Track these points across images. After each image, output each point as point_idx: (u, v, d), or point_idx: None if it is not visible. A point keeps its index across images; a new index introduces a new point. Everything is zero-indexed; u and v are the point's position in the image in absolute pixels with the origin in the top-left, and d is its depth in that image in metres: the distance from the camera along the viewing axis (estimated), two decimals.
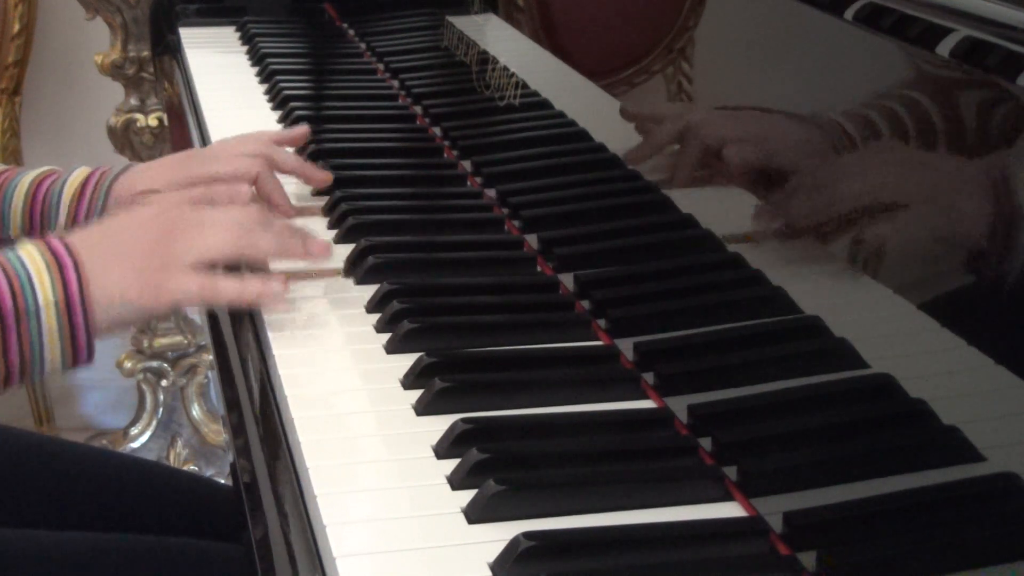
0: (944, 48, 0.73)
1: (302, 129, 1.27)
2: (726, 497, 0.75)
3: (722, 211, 0.95)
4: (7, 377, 0.90)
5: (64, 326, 0.90)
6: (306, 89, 1.52)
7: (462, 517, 0.73)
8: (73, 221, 1.13)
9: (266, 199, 1.16)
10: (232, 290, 0.95)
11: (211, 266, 0.96)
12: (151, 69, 2.13)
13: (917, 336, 0.74)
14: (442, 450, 0.79)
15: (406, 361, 0.89)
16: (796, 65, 0.92)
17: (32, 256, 0.92)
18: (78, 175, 1.14)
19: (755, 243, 0.91)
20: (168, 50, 1.77)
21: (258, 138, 1.19)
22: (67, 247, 0.92)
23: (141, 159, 2.24)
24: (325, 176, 1.20)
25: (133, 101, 2.26)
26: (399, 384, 0.88)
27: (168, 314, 0.96)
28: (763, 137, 0.92)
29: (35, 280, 0.90)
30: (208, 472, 2.31)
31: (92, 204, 1.13)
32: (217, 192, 1.09)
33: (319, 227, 1.15)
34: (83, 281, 0.91)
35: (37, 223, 1.14)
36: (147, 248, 0.95)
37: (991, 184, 0.69)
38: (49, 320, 0.90)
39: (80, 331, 0.91)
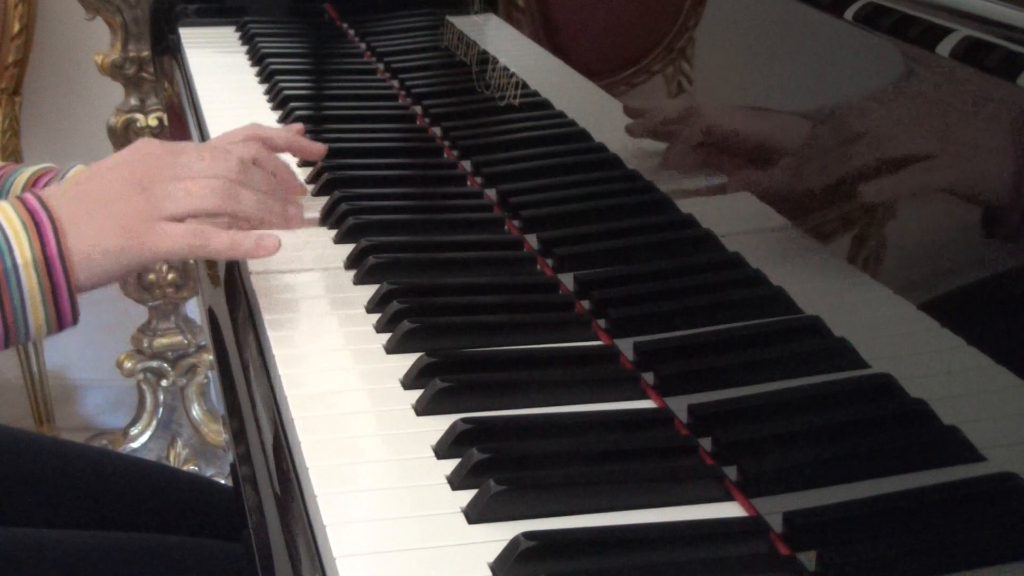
0: (944, 48, 0.73)
1: (297, 125, 1.27)
2: (726, 497, 0.75)
3: (722, 211, 0.95)
4: None
5: (45, 285, 0.89)
6: (306, 89, 1.52)
7: (462, 517, 0.73)
8: None
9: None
10: (223, 242, 0.93)
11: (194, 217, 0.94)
12: (151, 69, 2.14)
13: (917, 336, 0.74)
14: (442, 450, 0.79)
15: (406, 361, 0.89)
16: (796, 65, 0.92)
17: (7, 215, 0.90)
18: (74, 173, 1.14)
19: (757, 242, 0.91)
20: (168, 50, 1.77)
21: (246, 127, 1.19)
22: (42, 202, 0.91)
23: None
24: (320, 148, 1.20)
25: (133, 101, 2.26)
26: (399, 384, 0.88)
27: (154, 264, 0.94)
28: (776, 139, 0.92)
29: (12, 240, 0.89)
30: (208, 472, 2.31)
31: None
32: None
33: (319, 227, 1.15)
34: (60, 237, 0.89)
35: None
36: (124, 195, 0.92)
37: (991, 184, 0.69)
38: (29, 279, 0.89)
39: (62, 290, 0.89)
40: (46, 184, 1.13)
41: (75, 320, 0.92)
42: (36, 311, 0.89)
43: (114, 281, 0.95)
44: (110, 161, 0.97)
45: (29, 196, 0.92)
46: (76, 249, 0.90)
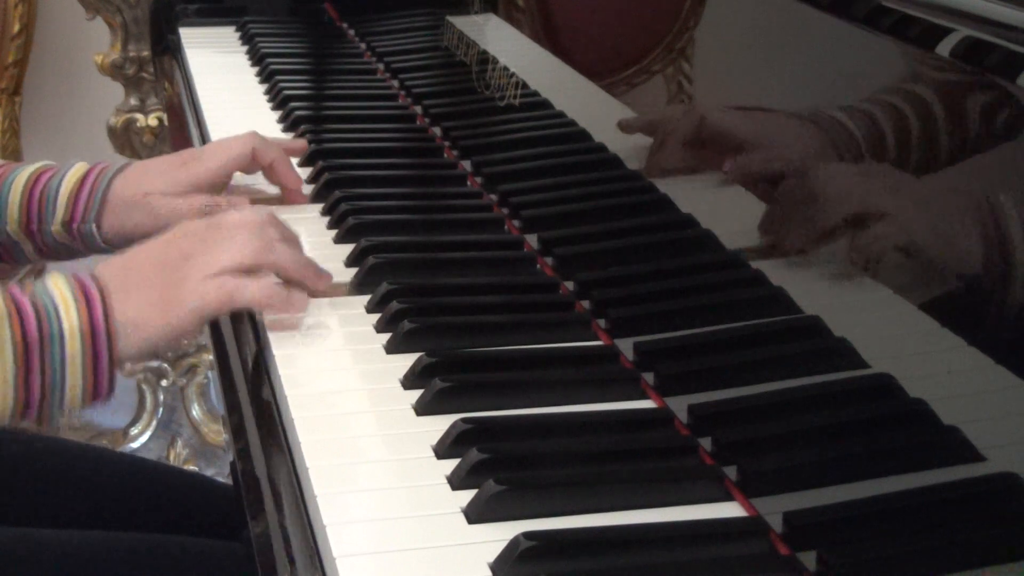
0: (944, 48, 0.73)
1: (301, 142, 1.27)
2: (726, 497, 0.75)
3: (722, 211, 0.95)
4: (26, 406, 0.90)
5: (87, 353, 0.89)
6: (306, 89, 1.52)
7: (462, 517, 0.73)
8: (71, 218, 1.13)
9: (268, 169, 1.18)
10: (254, 291, 0.94)
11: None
12: (151, 69, 2.14)
13: (917, 336, 0.74)
14: (442, 450, 0.79)
15: (406, 361, 0.89)
16: (796, 65, 0.92)
17: (58, 284, 0.91)
18: (76, 171, 1.14)
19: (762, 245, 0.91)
20: (168, 50, 1.77)
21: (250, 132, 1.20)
22: (93, 277, 0.92)
23: (141, 159, 2.24)
24: (297, 179, 1.20)
25: (133, 101, 2.26)
26: (399, 384, 0.88)
27: (198, 329, 0.94)
28: (767, 140, 0.92)
29: (60, 307, 0.90)
30: (208, 472, 2.31)
31: (90, 201, 1.13)
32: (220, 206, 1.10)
33: (319, 227, 1.15)
34: (108, 309, 0.90)
35: (34, 217, 1.13)
36: (167, 268, 0.93)
37: (991, 184, 0.69)
38: (72, 346, 0.89)
39: (103, 360, 0.90)
40: (47, 181, 1.13)
41: (111, 391, 0.92)
42: (74, 378, 0.90)
43: (154, 353, 0.95)
44: (158, 241, 0.98)
45: (81, 272, 0.93)
46: (121, 320, 0.91)
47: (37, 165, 1.16)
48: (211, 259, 0.94)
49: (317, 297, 0.99)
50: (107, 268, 0.94)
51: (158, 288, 0.93)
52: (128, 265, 0.95)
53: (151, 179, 1.14)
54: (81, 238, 1.14)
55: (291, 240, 1.00)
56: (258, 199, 1.19)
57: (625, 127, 1.08)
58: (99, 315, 0.90)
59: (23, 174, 1.14)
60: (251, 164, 1.18)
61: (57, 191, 1.13)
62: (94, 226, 1.13)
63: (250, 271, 0.95)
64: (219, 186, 1.17)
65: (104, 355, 0.90)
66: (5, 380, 0.88)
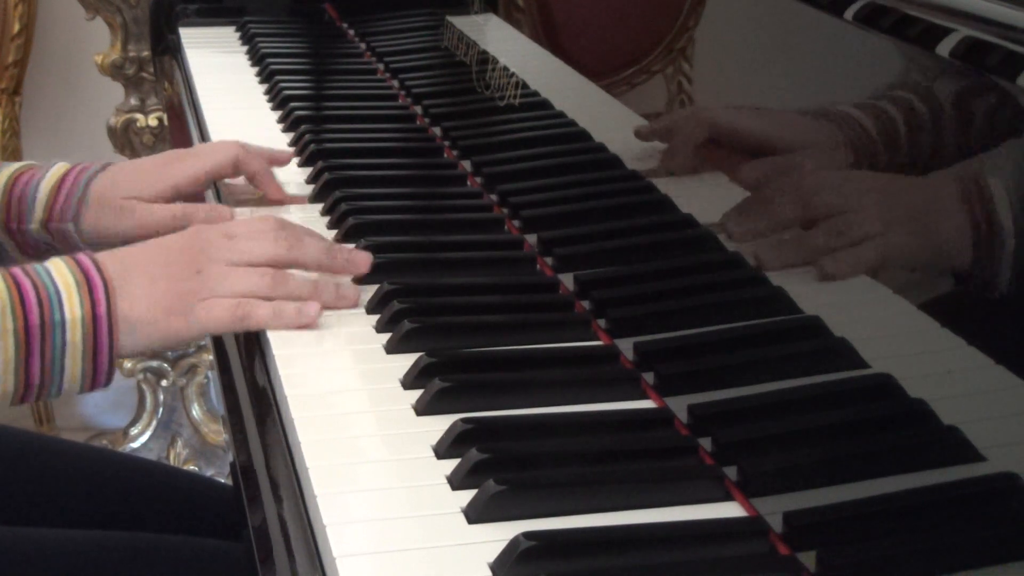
0: (944, 48, 0.73)
1: (287, 152, 1.27)
2: (726, 497, 0.75)
3: (722, 211, 0.95)
4: (25, 392, 0.90)
5: (88, 343, 0.90)
6: (306, 89, 1.52)
7: (462, 517, 0.73)
8: (49, 217, 1.13)
9: (251, 179, 1.18)
10: (266, 313, 0.94)
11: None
12: (151, 69, 2.14)
13: (917, 336, 0.74)
14: (442, 450, 0.79)
15: (406, 361, 0.89)
16: (796, 65, 0.92)
17: (61, 271, 0.91)
18: (56, 171, 1.15)
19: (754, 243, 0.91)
20: (168, 50, 1.77)
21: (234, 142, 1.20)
22: (96, 265, 0.92)
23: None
24: (278, 190, 1.20)
25: (133, 101, 2.26)
26: (399, 384, 0.88)
27: (200, 338, 0.95)
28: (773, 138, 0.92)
29: (63, 294, 0.90)
30: (208, 472, 2.31)
31: (69, 201, 1.13)
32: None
33: (318, 227, 1.15)
34: (111, 300, 0.90)
35: (14, 217, 1.14)
36: (178, 275, 0.93)
37: (989, 184, 0.69)
38: (74, 335, 0.89)
39: (103, 351, 0.90)
40: (28, 181, 1.14)
41: (109, 380, 0.92)
42: (74, 367, 0.90)
43: (152, 351, 0.96)
44: (167, 240, 0.97)
45: (83, 256, 0.93)
46: (124, 315, 0.91)
47: (19, 164, 1.16)
48: (224, 282, 0.94)
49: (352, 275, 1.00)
50: (113, 260, 0.94)
51: (167, 291, 0.93)
52: (135, 261, 0.95)
53: (130, 182, 1.14)
54: (59, 237, 1.14)
55: (306, 239, 1.00)
56: (244, 199, 1.20)
57: (642, 134, 1.08)
58: (102, 306, 0.90)
59: (4, 173, 1.15)
60: (232, 172, 1.18)
61: (37, 191, 1.13)
62: (71, 225, 1.13)
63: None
64: (199, 190, 1.18)
65: (105, 347, 0.90)
66: (6, 368, 0.89)
